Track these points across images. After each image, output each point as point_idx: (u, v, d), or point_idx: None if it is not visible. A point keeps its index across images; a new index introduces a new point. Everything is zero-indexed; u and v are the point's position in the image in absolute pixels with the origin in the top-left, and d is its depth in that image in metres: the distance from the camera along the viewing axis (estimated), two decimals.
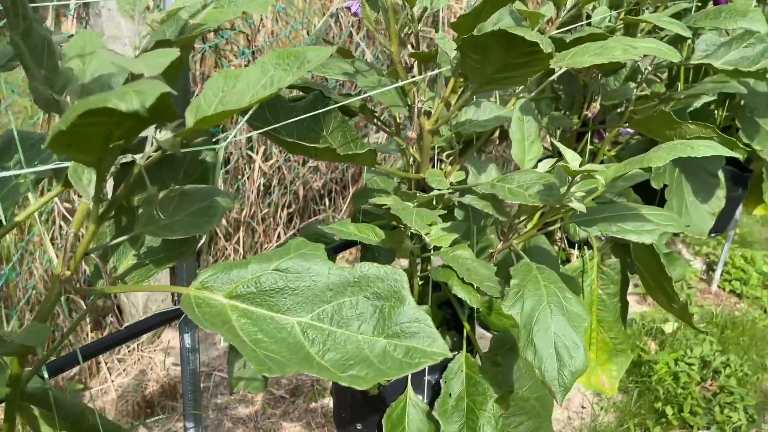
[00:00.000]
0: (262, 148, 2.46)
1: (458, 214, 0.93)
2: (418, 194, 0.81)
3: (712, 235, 2.13)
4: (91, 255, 0.49)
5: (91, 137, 0.35)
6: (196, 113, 0.41)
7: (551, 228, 0.88)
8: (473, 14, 0.66)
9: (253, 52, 2.35)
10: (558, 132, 1.20)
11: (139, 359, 2.06)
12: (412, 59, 0.81)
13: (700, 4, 1.17)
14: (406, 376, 0.96)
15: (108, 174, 0.42)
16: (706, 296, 2.92)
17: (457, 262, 0.82)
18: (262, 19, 2.42)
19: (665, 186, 1.42)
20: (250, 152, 2.47)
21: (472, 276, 0.80)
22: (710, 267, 3.13)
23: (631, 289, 3.06)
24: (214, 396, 2.01)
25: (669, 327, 2.57)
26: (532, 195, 0.78)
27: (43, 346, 0.50)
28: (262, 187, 2.43)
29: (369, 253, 0.97)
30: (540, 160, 0.86)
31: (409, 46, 0.78)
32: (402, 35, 0.75)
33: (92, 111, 0.30)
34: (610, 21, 1.04)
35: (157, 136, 0.42)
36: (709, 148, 0.70)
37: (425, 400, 0.95)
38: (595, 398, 2.25)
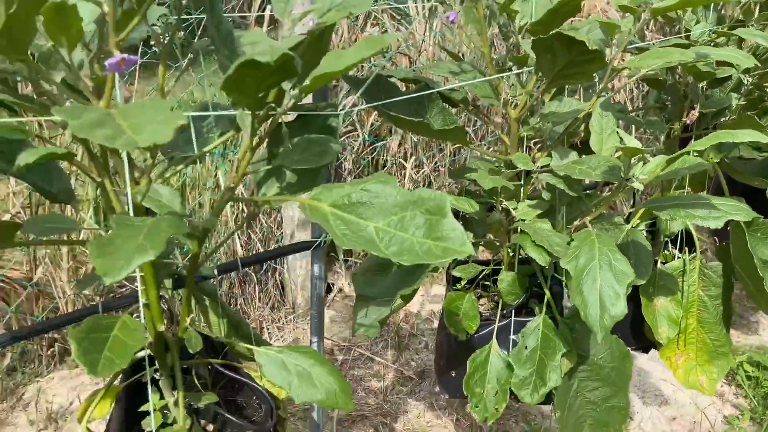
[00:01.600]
0: (413, 157, 2.72)
1: (545, 195, 1.09)
2: (503, 170, 0.99)
3: None
4: (248, 175, 0.75)
5: (247, 83, 0.59)
6: (313, 75, 0.64)
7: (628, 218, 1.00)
8: (545, 22, 0.84)
9: None
10: (662, 137, 1.31)
11: (294, 329, 2.39)
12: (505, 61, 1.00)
13: None
14: (492, 331, 1.12)
15: (261, 114, 0.67)
16: None
17: (533, 230, 0.99)
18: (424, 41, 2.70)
19: None
20: (402, 161, 2.74)
21: (543, 240, 0.96)
22: None
23: None
24: (351, 368, 2.27)
25: None
26: (597, 173, 0.92)
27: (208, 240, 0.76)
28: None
29: (468, 226, 1.16)
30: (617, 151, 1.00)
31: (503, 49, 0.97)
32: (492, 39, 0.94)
33: (245, 63, 0.54)
34: (708, 35, 1.14)
35: (291, 92, 0.66)
36: (747, 135, 0.81)
37: (506, 354, 1.12)
38: (726, 426, 2.19)
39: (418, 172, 2.74)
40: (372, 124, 2.67)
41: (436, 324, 2.58)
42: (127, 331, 0.66)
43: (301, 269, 2.36)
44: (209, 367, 0.89)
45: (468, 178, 1.02)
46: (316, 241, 1.26)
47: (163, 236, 0.54)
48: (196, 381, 0.86)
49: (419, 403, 2.17)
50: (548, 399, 1.07)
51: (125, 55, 0.55)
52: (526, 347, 1.06)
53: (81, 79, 0.60)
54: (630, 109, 2.35)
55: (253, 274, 2.33)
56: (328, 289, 2.61)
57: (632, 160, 0.90)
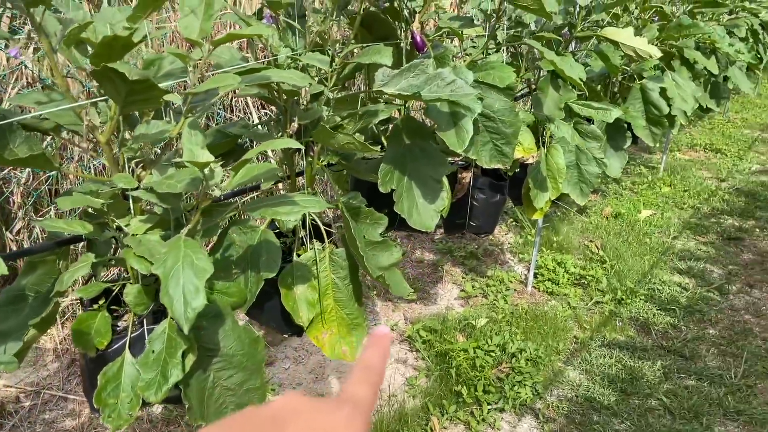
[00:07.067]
0: None
1: (157, 209, 1.19)
2: (101, 191, 1.07)
3: (482, 236, 2.48)
4: None
5: None
6: None
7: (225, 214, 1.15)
8: (100, 55, 0.93)
9: None
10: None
11: None
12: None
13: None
14: (125, 343, 1.19)
15: None
16: (523, 296, 3.30)
17: (136, 242, 1.08)
18: None
19: (393, 190, 1.74)
20: None
21: (145, 251, 1.06)
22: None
23: (457, 294, 3.38)
24: (41, 413, 2.16)
25: (480, 322, 2.91)
26: (180, 186, 1.04)
27: None
28: None
29: (93, 248, 1.21)
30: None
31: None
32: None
33: None
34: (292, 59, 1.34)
35: None
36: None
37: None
38: (405, 386, 2.54)
39: None
40: None
41: None
42: None
43: None
44: None
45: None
46: None
47: None
48: None
49: None
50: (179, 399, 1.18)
51: None
52: (153, 351, 1.14)
53: None
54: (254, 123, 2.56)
55: None
56: None
57: (208, 171, 1.04)
